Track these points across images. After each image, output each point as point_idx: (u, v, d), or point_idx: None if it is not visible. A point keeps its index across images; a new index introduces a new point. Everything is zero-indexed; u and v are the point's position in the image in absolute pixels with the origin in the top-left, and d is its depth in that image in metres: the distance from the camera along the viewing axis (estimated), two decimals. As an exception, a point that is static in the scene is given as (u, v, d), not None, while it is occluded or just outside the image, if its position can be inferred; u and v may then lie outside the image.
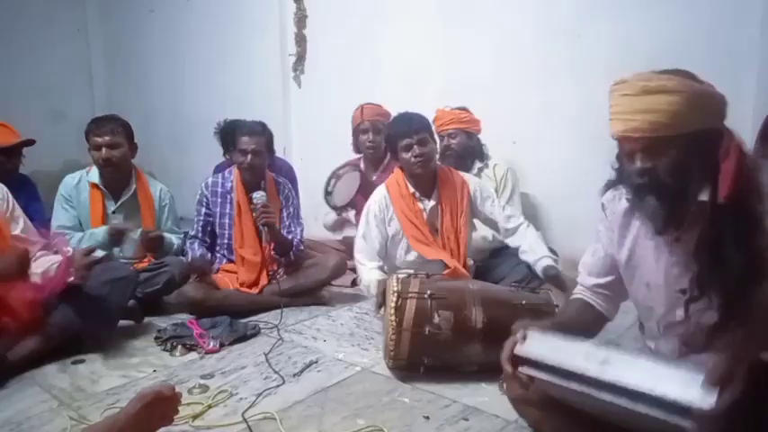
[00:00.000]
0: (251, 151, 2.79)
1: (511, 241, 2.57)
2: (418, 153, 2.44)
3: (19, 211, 2.25)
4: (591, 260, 1.53)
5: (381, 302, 2.28)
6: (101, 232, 2.73)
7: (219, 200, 2.93)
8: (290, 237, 2.91)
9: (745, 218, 1.17)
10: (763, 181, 1.20)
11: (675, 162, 1.19)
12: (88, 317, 2.21)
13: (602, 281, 1.50)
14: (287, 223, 2.96)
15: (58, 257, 2.18)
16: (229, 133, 3.16)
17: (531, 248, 2.48)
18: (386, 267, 2.67)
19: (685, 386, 1.00)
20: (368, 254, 2.55)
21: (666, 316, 1.35)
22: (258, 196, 2.74)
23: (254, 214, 2.78)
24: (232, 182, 2.93)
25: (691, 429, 0.98)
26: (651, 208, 1.25)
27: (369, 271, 2.52)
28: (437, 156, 2.59)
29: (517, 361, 1.25)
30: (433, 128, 3.13)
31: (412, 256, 2.53)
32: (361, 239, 2.58)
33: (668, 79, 1.19)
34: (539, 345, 1.23)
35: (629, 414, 1.06)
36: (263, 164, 2.89)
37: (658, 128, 1.18)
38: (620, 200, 1.41)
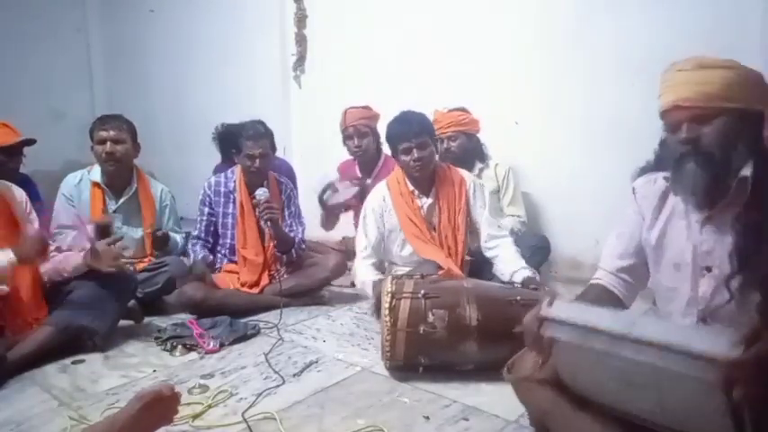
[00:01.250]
0: (258, 155, 2.80)
1: (489, 250, 2.53)
2: (417, 157, 2.44)
3: (33, 215, 2.31)
4: (615, 243, 1.54)
5: (378, 305, 2.28)
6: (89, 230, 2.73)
7: (222, 200, 2.93)
8: (291, 235, 2.91)
9: None
10: None
11: (720, 134, 1.25)
12: (88, 317, 2.21)
13: (625, 263, 1.51)
14: (289, 222, 2.97)
15: (69, 253, 2.29)
16: (230, 138, 3.15)
17: (509, 260, 2.44)
18: (386, 264, 2.67)
19: (712, 341, 1.00)
20: (364, 249, 2.56)
21: (689, 293, 1.37)
22: (261, 192, 2.74)
23: (256, 211, 2.78)
24: (235, 182, 2.93)
25: (715, 377, 0.97)
26: (692, 177, 1.29)
27: (364, 269, 2.53)
28: (436, 157, 2.58)
29: (540, 326, 1.24)
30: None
31: (407, 252, 2.54)
32: (360, 235, 2.60)
33: (723, 62, 1.28)
34: (566, 308, 1.23)
35: (652, 364, 1.05)
36: (269, 165, 2.92)
37: (708, 98, 1.24)
38: (654, 183, 1.45)
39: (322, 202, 3.19)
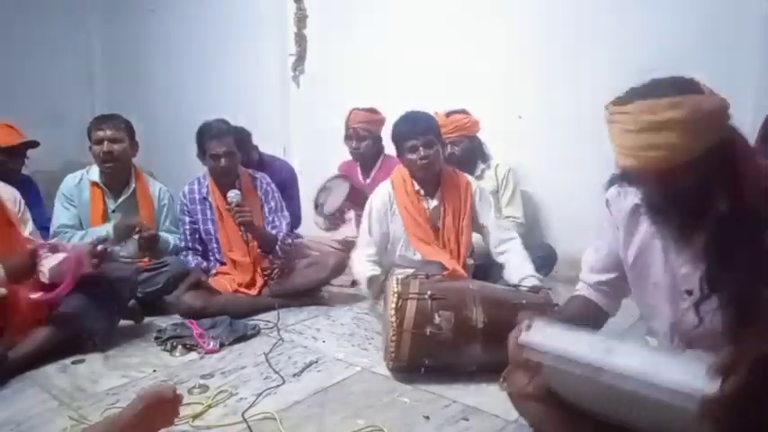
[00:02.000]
0: (223, 154, 2.75)
1: (499, 255, 2.51)
2: (423, 155, 2.42)
3: (28, 215, 2.29)
4: (594, 257, 1.52)
5: (377, 298, 2.28)
6: (102, 230, 2.72)
7: (199, 206, 2.91)
8: (274, 231, 2.87)
9: (756, 218, 1.16)
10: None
11: (690, 182, 1.16)
12: (89, 317, 2.21)
13: (603, 278, 1.49)
14: (270, 219, 2.92)
15: (64, 256, 2.17)
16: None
17: (517, 266, 2.42)
18: (384, 261, 2.66)
19: (689, 373, 0.99)
20: (365, 246, 2.56)
21: (672, 316, 1.35)
22: (232, 196, 2.71)
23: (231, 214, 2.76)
24: (207, 186, 2.90)
25: (694, 414, 0.97)
26: (668, 223, 1.25)
27: (360, 263, 2.52)
28: (442, 157, 2.55)
29: (522, 350, 1.25)
30: None
31: (411, 253, 2.53)
32: (363, 232, 2.59)
33: (672, 107, 1.11)
34: (543, 333, 1.23)
35: (631, 402, 1.05)
36: (237, 164, 2.85)
37: (666, 161, 1.13)
38: (625, 197, 1.39)
39: (319, 209, 3.18)
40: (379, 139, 3.28)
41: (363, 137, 3.23)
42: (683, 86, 1.15)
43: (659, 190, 1.20)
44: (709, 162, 1.13)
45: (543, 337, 1.22)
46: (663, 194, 1.20)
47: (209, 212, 2.90)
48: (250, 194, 2.89)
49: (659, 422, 1.08)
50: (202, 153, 2.83)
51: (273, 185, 3.01)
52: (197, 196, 2.91)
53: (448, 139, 3.05)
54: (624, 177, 1.34)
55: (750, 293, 1.17)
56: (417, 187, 2.53)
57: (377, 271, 2.52)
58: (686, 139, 1.11)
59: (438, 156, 2.49)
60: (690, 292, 1.29)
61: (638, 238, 1.38)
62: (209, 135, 2.77)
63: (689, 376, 0.99)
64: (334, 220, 3.26)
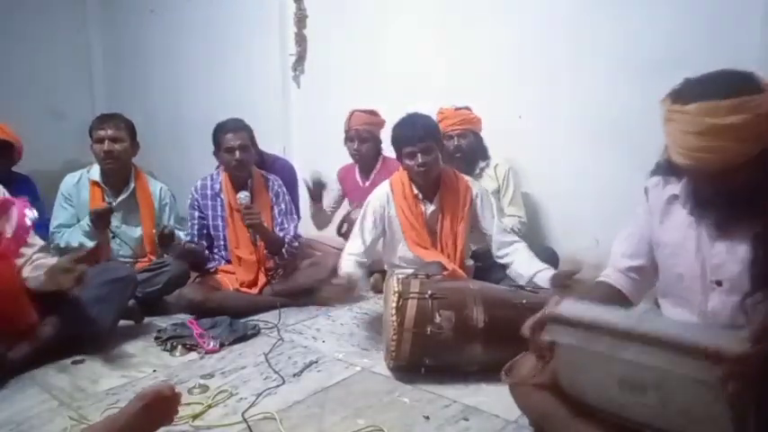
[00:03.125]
0: (238, 147, 2.78)
1: (503, 255, 2.48)
2: (421, 162, 2.40)
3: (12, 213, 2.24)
4: (625, 242, 1.53)
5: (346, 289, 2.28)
6: (84, 222, 2.73)
7: (210, 202, 2.92)
8: (281, 234, 2.89)
9: None
10: None
11: (744, 181, 1.18)
12: (88, 317, 2.21)
13: (634, 263, 1.50)
14: (279, 220, 2.94)
15: (54, 260, 2.15)
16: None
17: (526, 263, 2.38)
18: (377, 261, 2.64)
19: (717, 336, 1.00)
20: (355, 245, 2.53)
21: (699, 305, 1.36)
22: (242, 197, 2.73)
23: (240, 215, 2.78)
24: (220, 183, 2.92)
25: (717, 377, 0.96)
26: (716, 218, 1.26)
27: (348, 263, 2.47)
28: (441, 162, 2.52)
29: (544, 325, 1.24)
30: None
31: (410, 255, 2.52)
32: (356, 232, 2.57)
33: (734, 112, 1.11)
34: (574, 306, 1.23)
35: (653, 366, 1.04)
36: (251, 159, 2.89)
37: (724, 161, 1.15)
38: (665, 186, 1.41)
39: (341, 235, 3.15)
40: (379, 140, 3.28)
41: (365, 138, 3.24)
42: (744, 85, 1.15)
43: (711, 188, 1.23)
44: (764, 162, 1.15)
45: (574, 308, 1.22)
46: (714, 192, 1.22)
47: (219, 209, 2.91)
48: (261, 195, 2.90)
49: (672, 410, 1.07)
50: (217, 148, 2.86)
51: (284, 188, 3.04)
52: (209, 192, 2.93)
53: (455, 131, 3.06)
54: (670, 168, 1.36)
55: None
56: (416, 191, 2.52)
57: (358, 273, 2.45)
58: (745, 142, 1.12)
59: (437, 161, 2.46)
60: (719, 283, 1.30)
61: (672, 225, 1.40)
62: (224, 129, 2.82)
63: (718, 339, 0.99)
64: (317, 195, 3.27)
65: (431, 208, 2.52)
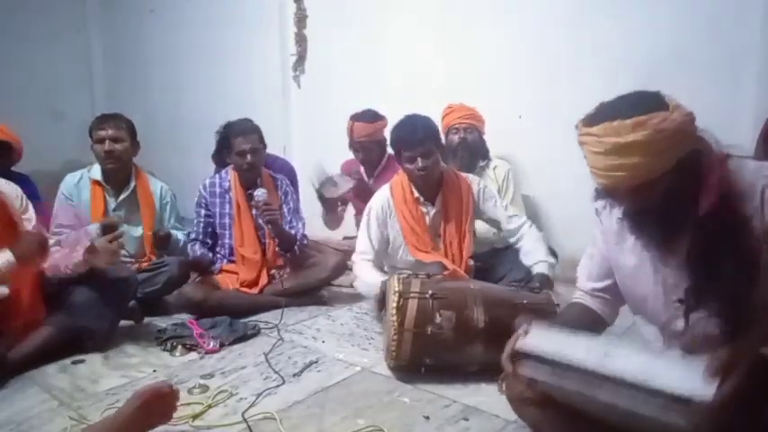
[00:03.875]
0: (249, 151, 2.80)
1: (513, 241, 2.55)
2: (421, 166, 2.39)
3: (32, 212, 2.27)
4: (589, 264, 1.52)
5: (382, 304, 2.27)
6: (93, 228, 2.73)
7: (218, 200, 2.93)
8: (292, 231, 2.91)
9: (732, 225, 1.17)
10: (747, 183, 1.19)
11: (661, 196, 1.18)
12: (88, 317, 2.21)
13: (599, 285, 1.49)
14: (288, 219, 2.97)
15: (68, 251, 2.24)
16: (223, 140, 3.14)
17: (530, 251, 2.45)
18: (384, 264, 2.66)
19: (685, 378, 0.99)
20: (363, 253, 2.54)
21: (666, 324, 1.35)
22: (260, 194, 2.74)
23: (253, 212, 2.79)
24: (230, 181, 2.93)
25: (689, 422, 0.97)
26: (649, 233, 1.27)
27: (367, 271, 2.50)
28: (441, 164, 2.53)
29: (518, 358, 1.25)
30: (442, 123, 3.13)
31: (411, 259, 2.51)
32: (362, 236, 2.57)
33: (635, 129, 1.12)
34: (540, 339, 1.23)
35: (628, 410, 1.05)
36: (262, 161, 2.91)
37: (635, 178, 1.16)
38: (611, 210, 1.40)
39: (320, 195, 3.19)
40: (383, 141, 3.27)
41: (370, 149, 3.23)
42: (648, 104, 1.16)
43: (633, 204, 1.24)
44: (679, 175, 1.16)
45: (540, 342, 1.22)
46: (637, 208, 1.24)
47: (227, 206, 2.92)
48: (271, 194, 2.91)
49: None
50: (228, 150, 2.87)
51: (292, 187, 3.06)
52: (217, 189, 2.94)
53: (462, 124, 3.08)
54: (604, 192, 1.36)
55: (737, 300, 1.18)
56: (417, 194, 2.51)
57: (385, 276, 2.47)
58: (651, 158, 1.13)
59: (437, 163, 2.45)
60: (681, 301, 1.29)
61: (627, 248, 1.39)
62: (234, 132, 2.83)
63: (684, 381, 0.99)
64: (332, 206, 3.25)
65: (433, 210, 2.51)
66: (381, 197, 2.58)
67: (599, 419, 1.18)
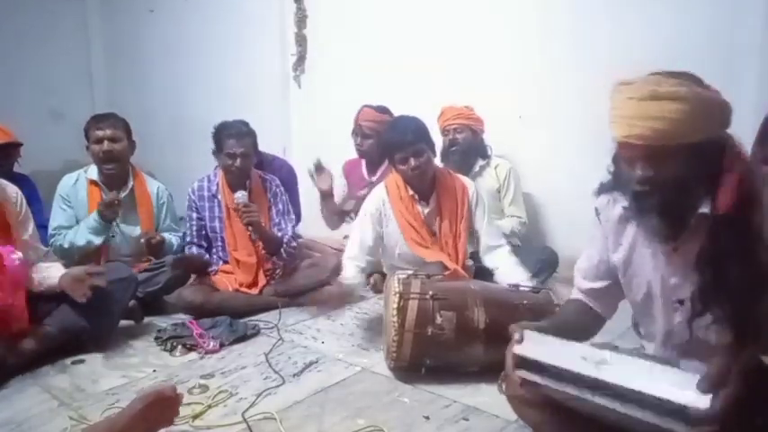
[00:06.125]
0: (240, 155, 2.76)
1: (488, 261, 2.50)
2: (414, 165, 2.39)
3: (29, 216, 2.27)
4: (586, 265, 1.52)
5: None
6: (91, 218, 2.72)
7: (207, 204, 2.91)
8: (279, 234, 2.88)
9: (747, 230, 1.14)
10: (763, 191, 1.16)
11: (678, 172, 1.16)
12: (88, 317, 2.21)
13: (596, 285, 1.49)
14: (277, 220, 2.93)
15: (57, 265, 2.24)
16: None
17: (508, 274, 2.37)
18: (384, 267, 2.65)
19: (681, 386, 0.99)
20: (353, 252, 2.51)
21: (664, 325, 1.35)
22: (239, 196, 2.72)
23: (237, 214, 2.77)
24: (218, 184, 2.91)
25: (686, 429, 0.96)
26: (650, 216, 1.23)
27: (350, 269, 2.47)
28: (433, 163, 2.53)
29: (516, 362, 1.25)
30: (438, 125, 3.14)
31: (410, 253, 2.51)
32: (354, 236, 2.56)
33: (678, 85, 1.13)
34: (536, 345, 1.23)
35: (626, 414, 1.06)
36: (250, 165, 2.87)
37: (663, 136, 1.13)
38: (614, 205, 1.38)
39: (346, 213, 3.17)
40: None
41: (368, 135, 3.22)
42: (687, 76, 1.18)
43: (648, 171, 1.19)
44: (699, 155, 1.14)
45: (536, 348, 1.21)
46: (650, 178, 1.19)
47: (216, 210, 2.90)
48: (259, 196, 2.89)
49: None
50: (219, 149, 2.84)
51: (282, 188, 3.02)
52: (206, 193, 2.92)
53: (452, 125, 3.11)
54: (616, 180, 1.35)
55: (744, 308, 1.16)
56: (411, 192, 2.50)
57: (357, 279, 2.46)
58: (686, 117, 1.12)
59: (429, 162, 2.46)
60: (681, 302, 1.28)
61: (627, 245, 1.38)
62: (228, 133, 2.79)
63: (680, 390, 0.98)
64: (336, 218, 3.24)
65: (428, 209, 2.51)
66: (376, 196, 2.57)
67: (600, 420, 1.18)
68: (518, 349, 1.23)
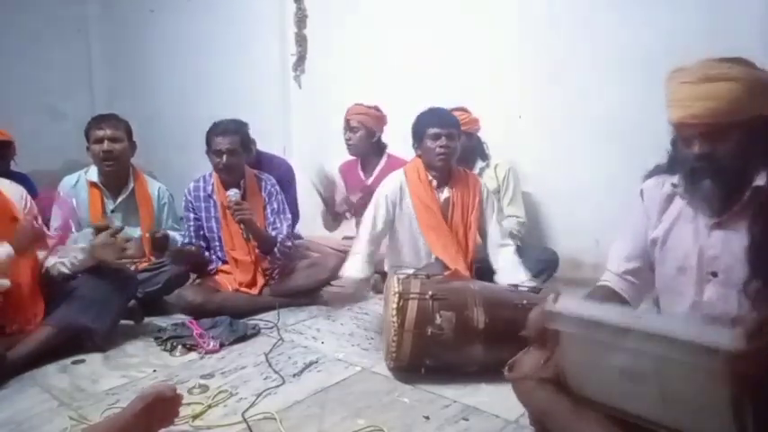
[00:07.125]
0: (226, 151, 2.76)
1: (494, 258, 2.53)
2: (444, 144, 2.46)
3: (35, 212, 2.28)
4: (621, 244, 1.54)
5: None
6: (88, 233, 2.71)
7: (203, 204, 2.91)
8: (274, 233, 2.87)
9: None
10: None
11: (734, 147, 1.23)
12: (88, 317, 2.21)
13: (631, 266, 1.51)
14: (272, 219, 2.92)
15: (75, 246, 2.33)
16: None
17: (510, 271, 2.43)
18: (386, 267, 2.65)
19: (717, 334, 1.01)
20: (362, 243, 2.52)
21: (693, 297, 1.37)
22: (232, 194, 2.73)
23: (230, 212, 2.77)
24: (212, 184, 2.91)
25: (718, 367, 0.97)
26: (707, 191, 1.29)
27: (351, 259, 2.50)
28: (456, 156, 2.57)
29: (545, 319, 1.25)
30: None
31: (418, 246, 2.54)
32: (365, 224, 2.57)
33: (729, 67, 1.23)
34: (571, 304, 1.23)
35: (656, 354, 1.05)
36: (239, 163, 2.86)
37: (717, 114, 1.21)
38: (662, 186, 1.44)
39: (340, 215, 3.20)
40: (374, 134, 3.28)
41: (355, 128, 3.27)
42: (740, 60, 1.28)
43: (705, 147, 1.26)
44: (754, 132, 1.23)
45: (572, 305, 1.22)
46: (707, 155, 1.26)
47: (212, 210, 2.90)
48: (254, 195, 2.89)
49: (671, 400, 1.07)
50: (208, 148, 2.86)
51: (278, 187, 3.01)
52: (201, 194, 2.92)
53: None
54: (669, 167, 1.41)
55: None
56: (430, 177, 2.55)
57: (364, 273, 2.49)
58: (739, 95, 1.20)
59: (456, 151, 2.53)
60: (715, 274, 1.33)
61: (669, 221, 1.42)
62: (215, 131, 2.81)
63: (716, 336, 1.00)
64: (329, 185, 3.23)
65: (444, 195, 2.54)
66: (394, 179, 2.60)
67: (611, 397, 1.17)
68: (553, 306, 1.23)
